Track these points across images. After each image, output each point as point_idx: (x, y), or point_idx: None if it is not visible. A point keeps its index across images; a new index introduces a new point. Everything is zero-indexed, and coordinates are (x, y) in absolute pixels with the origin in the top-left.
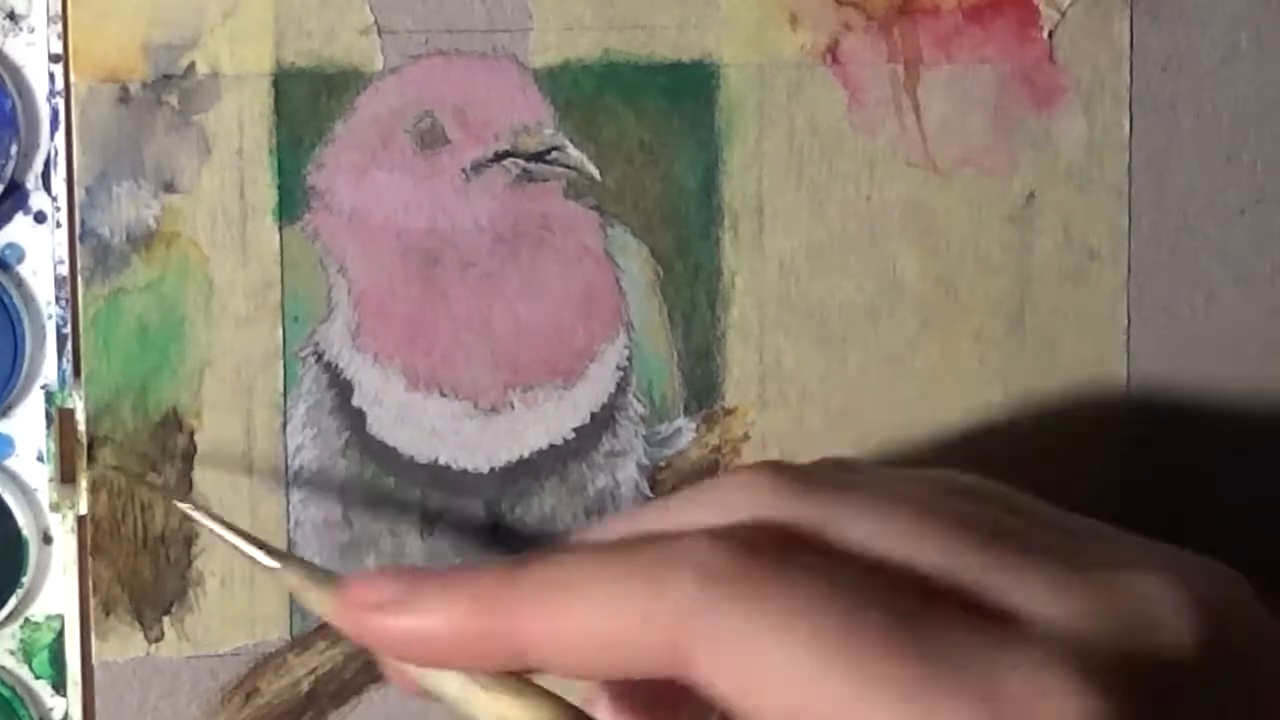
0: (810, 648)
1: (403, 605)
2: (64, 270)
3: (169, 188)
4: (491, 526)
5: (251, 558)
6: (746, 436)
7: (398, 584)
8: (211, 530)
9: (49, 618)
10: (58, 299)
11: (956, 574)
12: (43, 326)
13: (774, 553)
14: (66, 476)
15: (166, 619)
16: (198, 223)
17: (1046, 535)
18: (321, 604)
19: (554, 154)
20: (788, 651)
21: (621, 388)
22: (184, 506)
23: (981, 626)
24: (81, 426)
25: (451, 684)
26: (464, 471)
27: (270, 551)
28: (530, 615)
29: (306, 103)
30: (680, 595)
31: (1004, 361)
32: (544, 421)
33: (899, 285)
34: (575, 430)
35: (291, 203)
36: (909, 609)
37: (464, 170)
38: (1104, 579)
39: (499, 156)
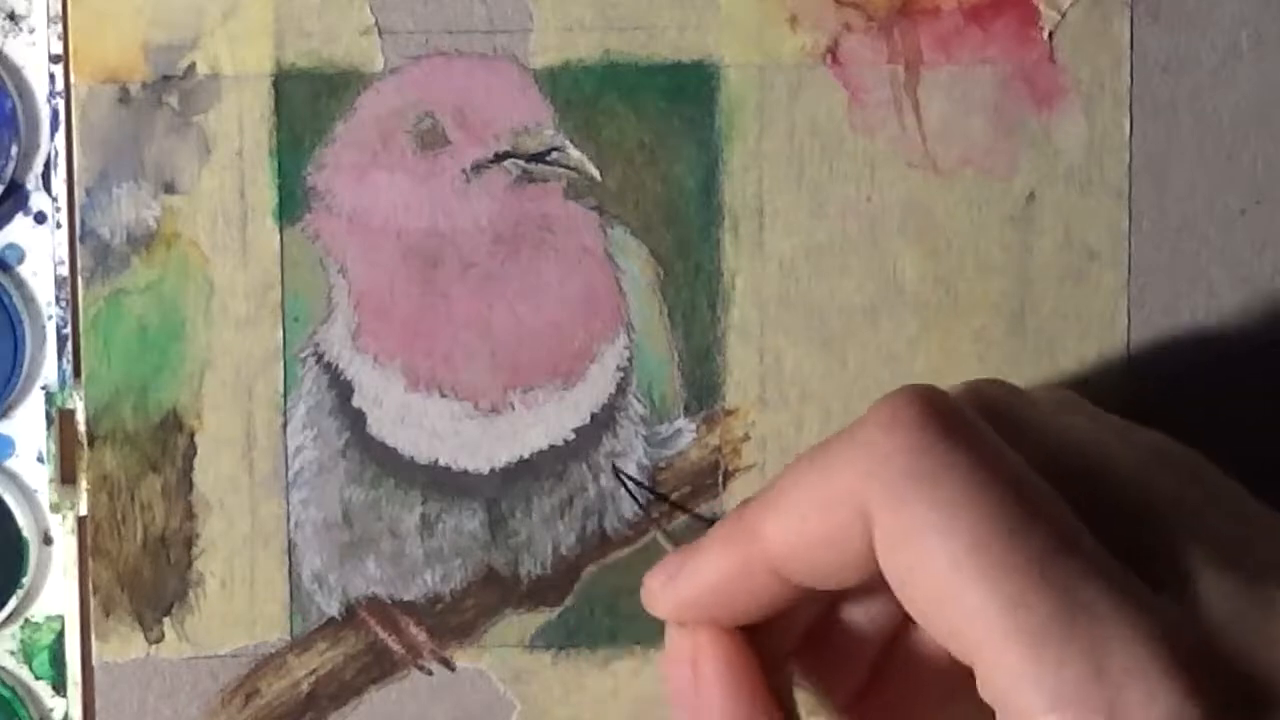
0: (969, 552)
1: (679, 571)
2: (64, 271)
3: (169, 188)
4: (491, 527)
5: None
6: (747, 437)
7: (672, 560)
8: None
9: (49, 618)
10: (58, 299)
11: (1126, 515)
12: (43, 327)
13: (956, 422)
14: (66, 477)
15: (167, 620)
16: (198, 223)
17: (1228, 524)
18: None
19: (554, 154)
20: (946, 549)
21: (622, 388)
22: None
23: (1124, 585)
24: (81, 427)
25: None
26: (464, 472)
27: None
28: (764, 531)
29: (306, 103)
30: (857, 480)
31: (1004, 361)
32: (544, 422)
33: (899, 285)
34: (575, 431)
35: (291, 203)
36: (1070, 536)
37: (464, 171)
38: (1256, 585)
39: (499, 157)
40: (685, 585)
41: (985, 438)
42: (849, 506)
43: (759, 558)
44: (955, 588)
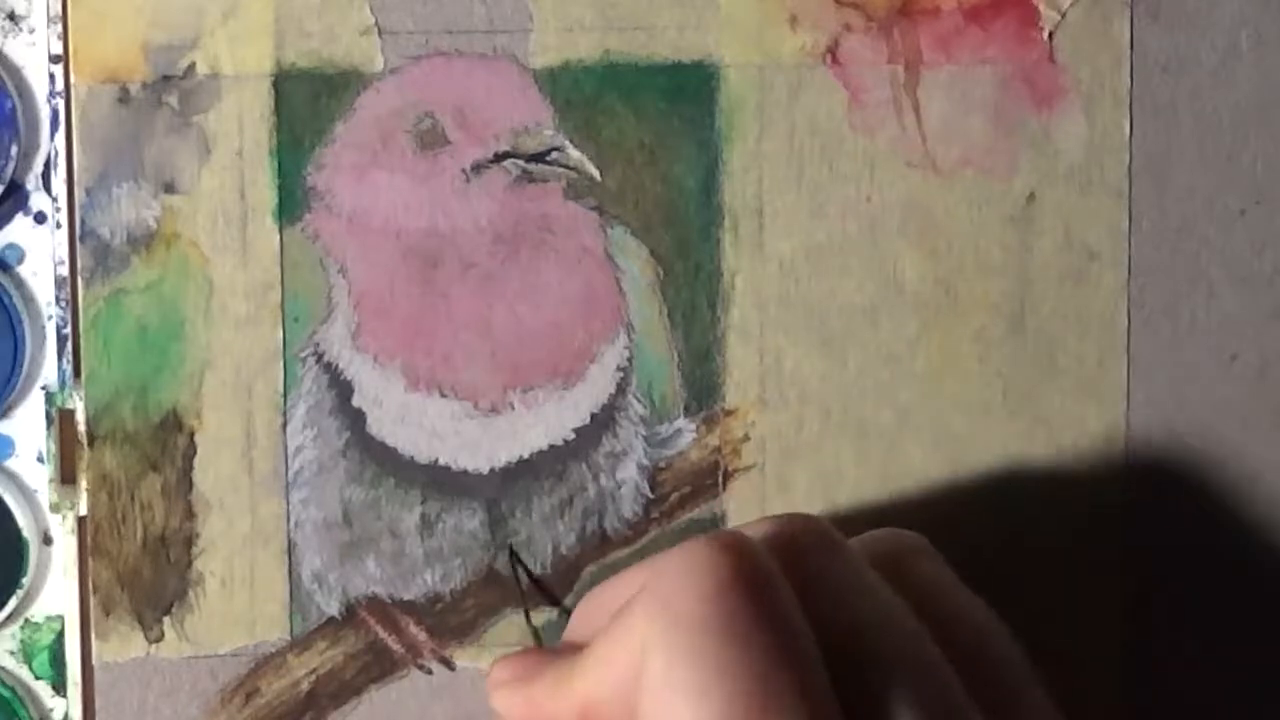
0: None
1: (513, 688)
2: (64, 271)
3: (169, 188)
4: (491, 527)
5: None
6: (746, 437)
7: (518, 668)
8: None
9: (49, 618)
10: (58, 299)
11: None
12: (43, 327)
13: (754, 577)
14: (66, 477)
15: (167, 619)
16: (198, 223)
17: None
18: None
19: (554, 154)
20: (694, 713)
21: (621, 388)
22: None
23: None
24: (81, 427)
25: None
26: (464, 472)
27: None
28: (582, 683)
29: (306, 103)
30: (642, 626)
31: (1004, 361)
32: (544, 422)
33: (899, 286)
34: (575, 431)
35: (291, 203)
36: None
37: (464, 171)
38: None
39: (499, 157)
40: (515, 702)
41: (774, 599)
42: (634, 649)
43: (578, 708)
44: None
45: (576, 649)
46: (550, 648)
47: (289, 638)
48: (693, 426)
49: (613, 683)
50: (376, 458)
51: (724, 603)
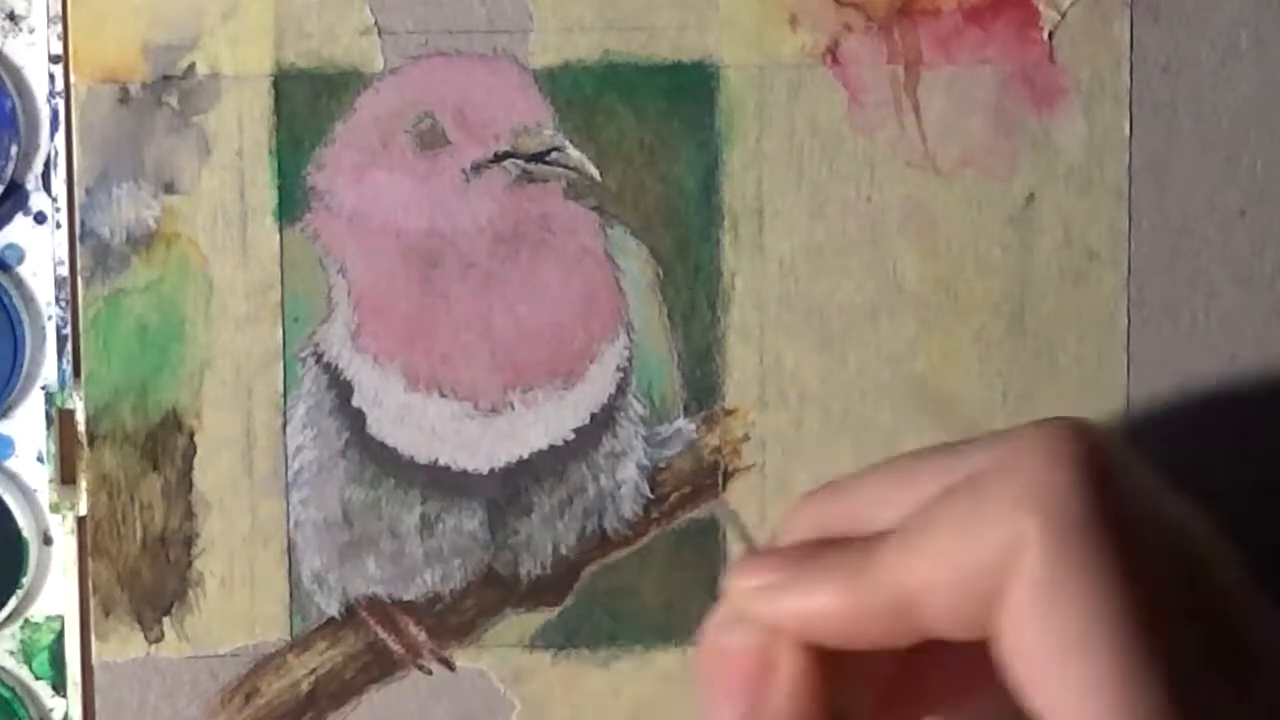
0: (1110, 636)
1: (786, 585)
2: (64, 271)
3: (169, 188)
4: (491, 527)
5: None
6: (746, 437)
7: (771, 564)
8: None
9: (49, 618)
10: (58, 300)
11: (1222, 611)
12: (43, 327)
13: (1126, 474)
14: (66, 477)
15: (166, 619)
16: (198, 223)
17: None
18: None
19: (554, 154)
20: (1095, 620)
21: (621, 388)
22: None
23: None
24: (81, 427)
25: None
26: (464, 472)
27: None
28: (904, 567)
29: (306, 103)
30: (1012, 505)
31: (1004, 361)
32: (544, 422)
33: (899, 286)
34: (575, 431)
35: (291, 203)
36: (1199, 662)
37: (464, 171)
38: None
39: (499, 157)
40: (791, 603)
41: (1148, 507)
42: (1004, 535)
43: (889, 598)
44: (1082, 666)
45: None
46: (795, 549)
47: (289, 638)
48: (693, 426)
49: (959, 566)
50: (376, 458)
51: (1113, 505)
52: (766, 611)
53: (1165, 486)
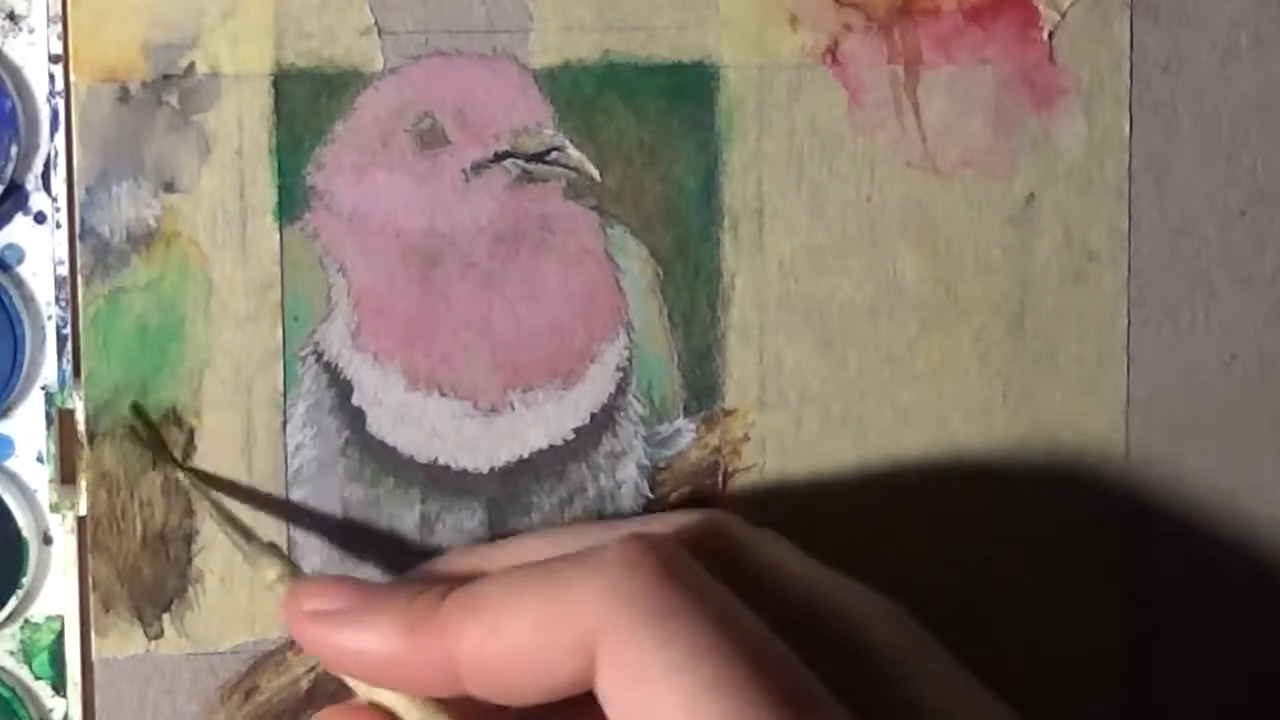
0: (709, 692)
1: (342, 621)
2: (64, 270)
3: (169, 187)
4: (491, 527)
5: (234, 539)
6: (746, 438)
7: (342, 596)
8: (208, 510)
9: (49, 619)
10: (58, 299)
11: (850, 657)
12: (43, 327)
13: (691, 570)
14: (66, 477)
15: (166, 616)
16: (198, 222)
17: (939, 675)
18: (283, 605)
19: (554, 154)
20: (685, 688)
21: (621, 388)
22: (185, 477)
23: None
24: (81, 427)
25: (395, 703)
26: (464, 471)
27: (251, 539)
28: (461, 633)
29: (306, 103)
30: (591, 611)
31: (1004, 362)
32: (544, 422)
33: (899, 286)
34: (575, 431)
35: (291, 203)
36: (807, 686)
37: (464, 171)
38: None
39: (499, 157)
40: (348, 639)
41: (717, 588)
42: (572, 634)
43: (441, 656)
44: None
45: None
46: (364, 583)
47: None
48: (693, 426)
49: (528, 651)
50: (376, 457)
51: (678, 591)
52: (315, 640)
53: (757, 561)
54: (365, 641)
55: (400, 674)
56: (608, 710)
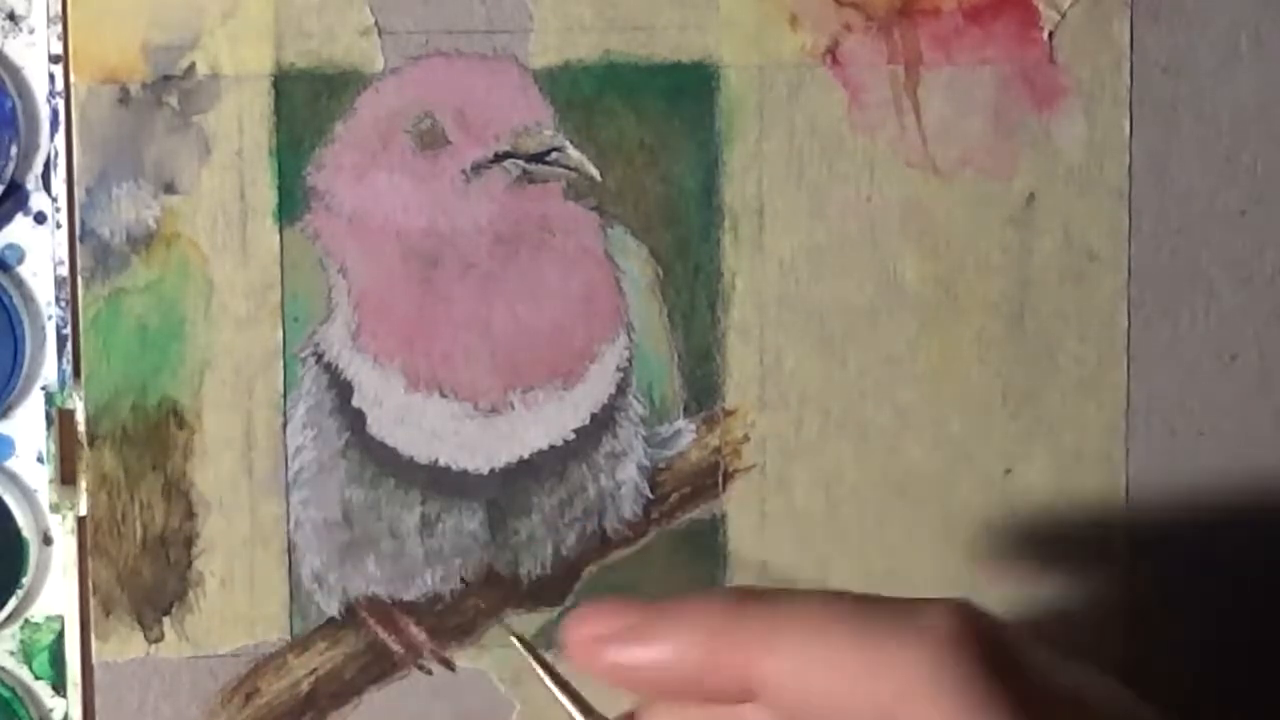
0: None
1: (633, 637)
2: (64, 271)
3: (169, 188)
4: (491, 527)
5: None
6: (746, 438)
7: (627, 616)
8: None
9: (49, 619)
10: (58, 300)
11: None
12: (43, 327)
13: (1014, 665)
14: (66, 478)
15: (167, 619)
16: (198, 223)
17: None
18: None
19: (554, 155)
20: None
21: (621, 389)
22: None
23: None
24: (81, 427)
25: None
26: (464, 472)
27: (591, 714)
28: (767, 651)
29: (306, 103)
30: (909, 677)
31: (1004, 362)
32: (544, 422)
33: (899, 286)
34: (575, 431)
35: (291, 203)
36: None
37: (464, 171)
38: None
39: (499, 157)
40: (638, 652)
41: (1042, 682)
42: (885, 691)
43: (741, 668)
44: None
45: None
46: (639, 602)
47: (289, 638)
48: (693, 427)
49: (813, 692)
50: (376, 458)
51: (999, 676)
52: (618, 660)
53: (1058, 656)
54: (663, 651)
55: (696, 683)
56: None
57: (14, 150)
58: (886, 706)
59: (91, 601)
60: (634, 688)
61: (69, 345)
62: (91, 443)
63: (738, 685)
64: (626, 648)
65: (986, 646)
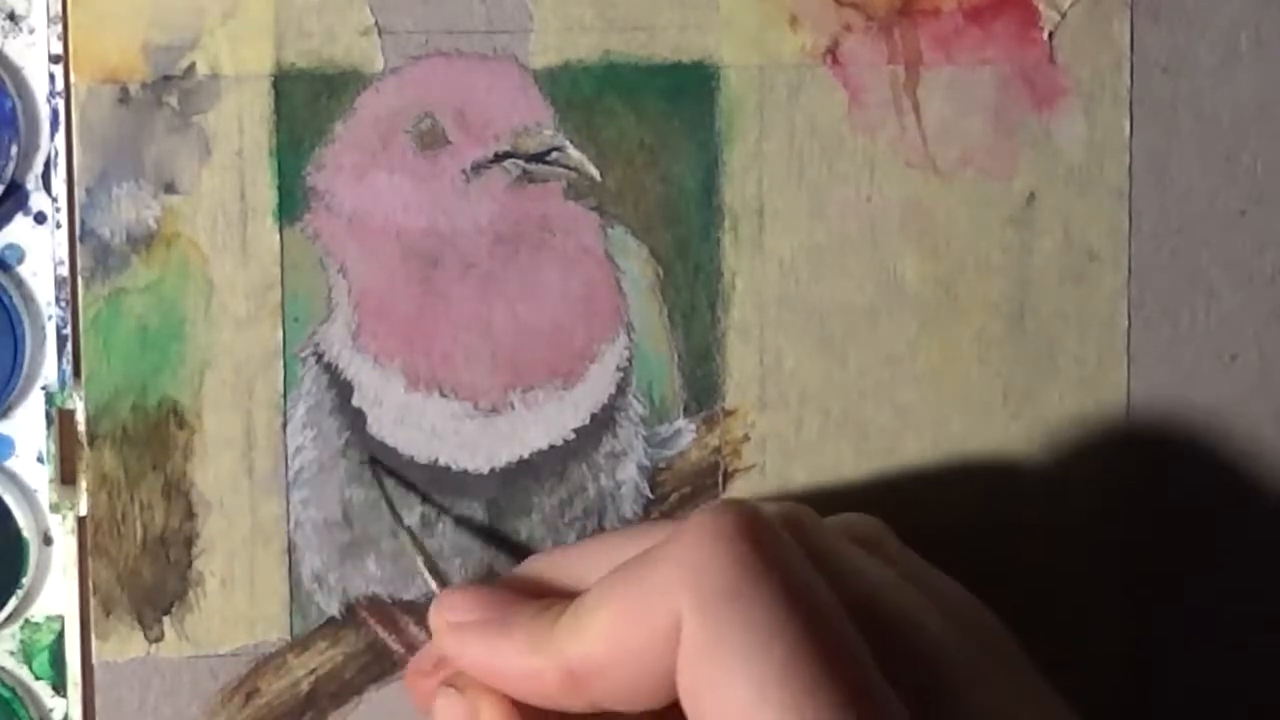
0: (776, 682)
1: (473, 635)
2: (64, 271)
3: (169, 188)
4: (491, 527)
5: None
6: (746, 438)
7: (474, 610)
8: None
9: (49, 618)
10: (58, 300)
11: (911, 669)
12: (43, 327)
13: (774, 543)
14: (66, 477)
15: (167, 619)
16: (198, 223)
17: (1005, 693)
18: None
19: (554, 155)
20: (754, 673)
21: (622, 389)
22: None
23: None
24: (81, 427)
25: None
26: (464, 472)
27: (441, 582)
28: (568, 647)
29: (306, 103)
30: (673, 594)
31: (1004, 362)
32: (544, 422)
33: (899, 286)
34: (575, 431)
35: (291, 203)
36: (873, 687)
37: (464, 171)
38: None
39: (499, 157)
40: (478, 652)
41: (801, 565)
42: (661, 616)
43: (561, 669)
44: (753, 714)
45: (540, 599)
46: (504, 589)
47: (289, 638)
48: (693, 426)
49: (625, 648)
50: (377, 457)
51: (759, 569)
52: (455, 649)
53: (854, 554)
54: (496, 658)
55: (533, 689)
56: (679, 685)
57: (14, 150)
58: (671, 631)
59: (91, 601)
60: (489, 683)
61: (69, 345)
62: (91, 443)
63: (567, 688)
64: (467, 643)
65: (745, 529)
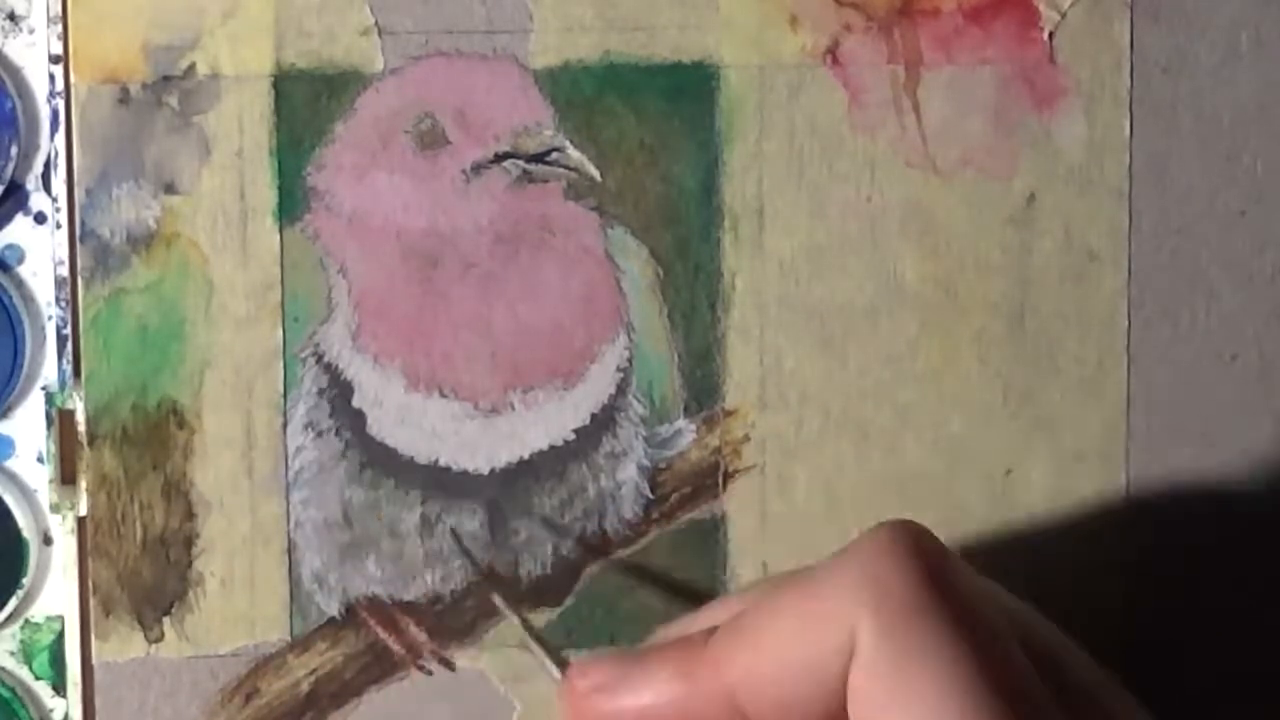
0: (960, 696)
1: (621, 684)
2: (64, 271)
3: (169, 188)
4: (491, 527)
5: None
6: (747, 438)
7: (611, 668)
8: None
9: (49, 619)
10: (58, 300)
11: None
12: (43, 327)
13: (949, 564)
14: (66, 477)
15: (167, 619)
16: (198, 223)
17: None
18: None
19: (554, 155)
20: (937, 687)
21: (622, 389)
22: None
23: None
24: (81, 427)
25: None
26: (464, 472)
27: (559, 662)
28: (732, 662)
29: (307, 104)
30: (849, 607)
31: (1004, 362)
32: (544, 422)
33: (899, 286)
34: (575, 431)
35: (291, 203)
36: (1045, 707)
37: (464, 171)
38: None
39: (499, 157)
40: (626, 699)
41: (977, 585)
42: (835, 631)
43: (719, 690)
44: None
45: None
46: (630, 651)
47: (289, 638)
48: (693, 427)
49: (795, 662)
50: (376, 458)
51: (941, 586)
52: (608, 708)
53: (977, 574)
54: (646, 696)
55: (687, 716)
56: (851, 699)
57: (14, 150)
58: (845, 643)
59: (91, 601)
60: None
61: (69, 345)
62: (91, 443)
63: (723, 708)
64: (616, 697)
65: (921, 549)
